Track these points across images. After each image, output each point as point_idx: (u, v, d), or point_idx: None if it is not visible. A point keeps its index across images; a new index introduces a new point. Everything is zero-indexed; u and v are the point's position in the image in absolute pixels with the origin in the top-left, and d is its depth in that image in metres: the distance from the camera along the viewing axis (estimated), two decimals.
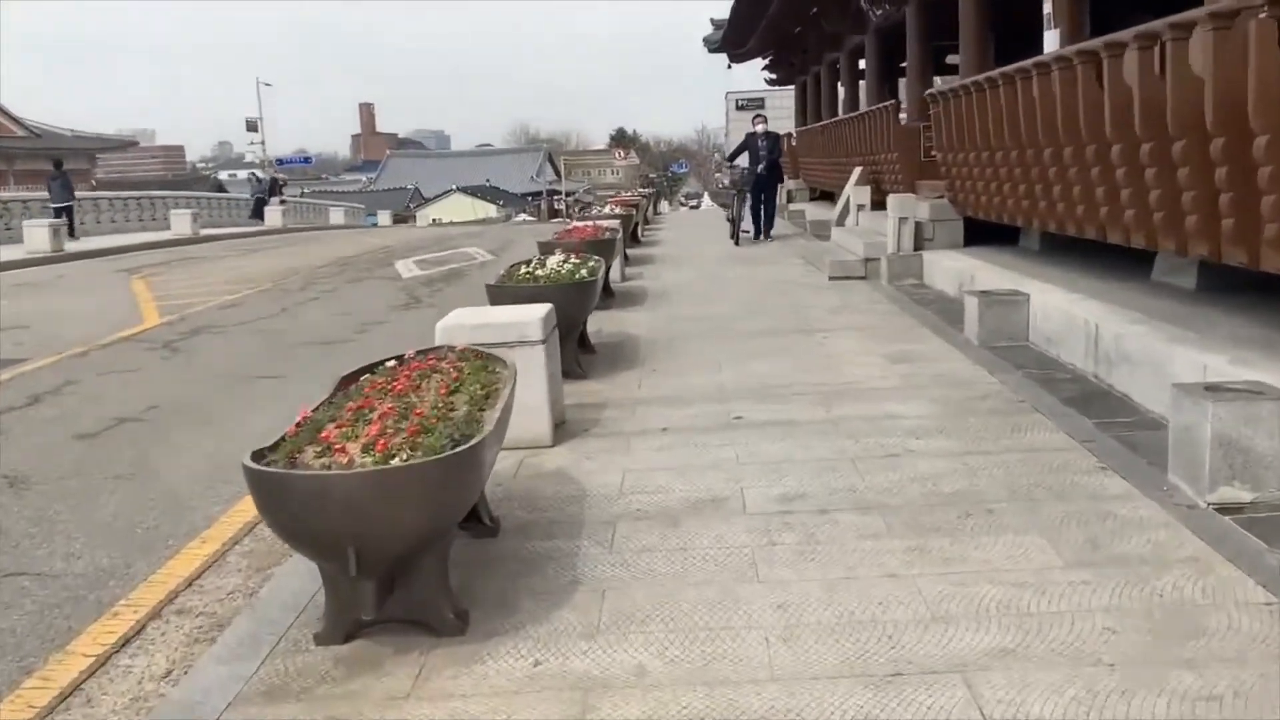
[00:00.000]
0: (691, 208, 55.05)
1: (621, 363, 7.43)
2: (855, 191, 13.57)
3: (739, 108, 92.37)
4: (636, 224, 16.64)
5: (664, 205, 40.10)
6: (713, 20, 32.66)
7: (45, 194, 27.61)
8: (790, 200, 24.94)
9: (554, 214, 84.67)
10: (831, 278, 11.20)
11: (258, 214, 37.14)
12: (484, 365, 4.28)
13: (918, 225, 10.86)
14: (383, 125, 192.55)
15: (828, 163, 20.09)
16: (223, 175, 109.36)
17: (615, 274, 11.42)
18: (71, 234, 26.35)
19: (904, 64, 24.64)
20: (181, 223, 28.38)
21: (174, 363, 9.12)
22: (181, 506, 5.13)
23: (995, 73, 8.89)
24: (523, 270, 7.28)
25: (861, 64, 23.78)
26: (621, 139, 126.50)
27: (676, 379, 6.80)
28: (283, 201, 40.03)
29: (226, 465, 5.44)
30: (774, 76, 33.71)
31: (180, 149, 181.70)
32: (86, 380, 8.35)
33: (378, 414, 3.58)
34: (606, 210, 14.45)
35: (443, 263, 16.90)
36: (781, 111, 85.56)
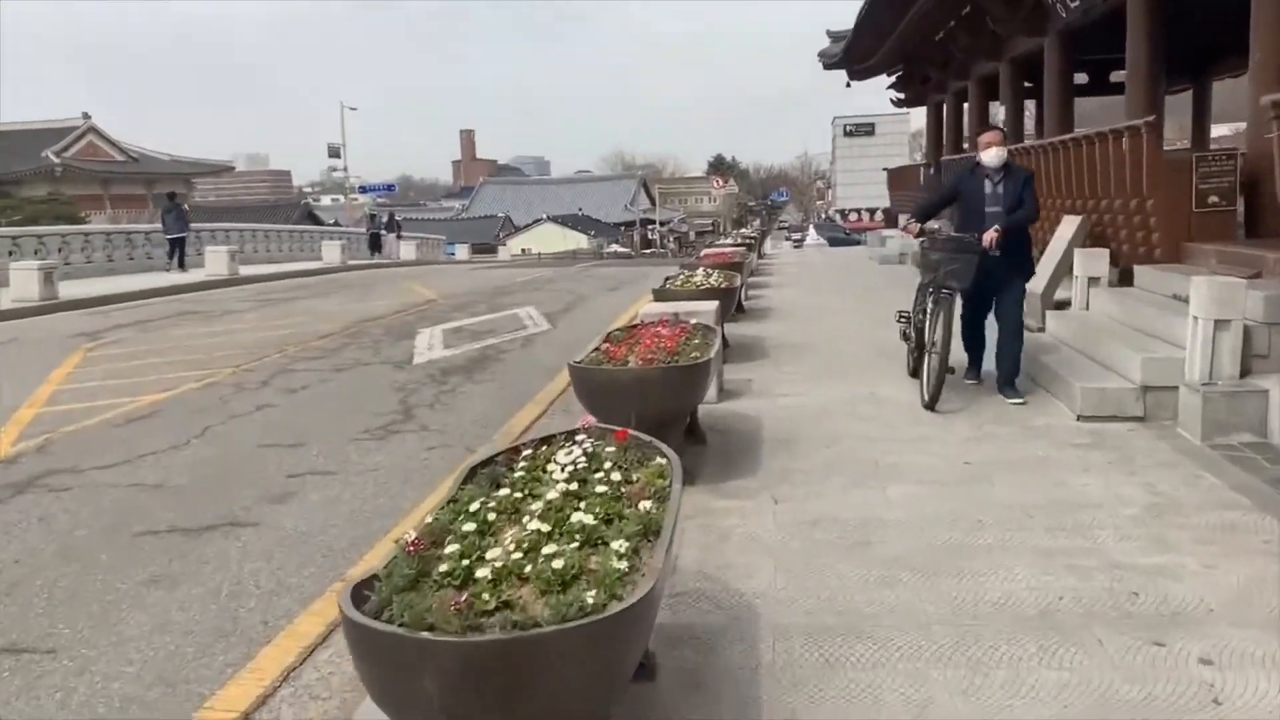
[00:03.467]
0: (795, 244, 50.07)
1: None
2: (1083, 257, 8.82)
3: (847, 133, 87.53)
4: (742, 287, 12.15)
5: (767, 244, 35.41)
6: (830, 33, 28.05)
7: (158, 225, 26.82)
8: None
9: (647, 245, 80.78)
10: (1083, 417, 6.50)
11: (374, 247, 36.79)
12: None
13: (1247, 332, 6.12)
14: (485, 151, 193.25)
15: None
16: (326, 200, 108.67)
17: (710, 390, 6.95)
18: (182, 266, 25.47)
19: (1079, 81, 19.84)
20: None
21: None
22: None
23: None
24: (464, 560, 2.82)
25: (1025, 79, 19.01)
26: (720, 166, 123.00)
27: None
28: (399, 237, 38.86)
29: None
30: (901, 96, 28.83)
31: (287, 173, 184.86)
32: None
33: None
34: (698, 276, 9.90)
35: (479, 335, 12.64)
36: (894, 139, 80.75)
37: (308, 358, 11.16)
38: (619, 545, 2.60)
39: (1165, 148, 10.56)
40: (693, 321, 6.58)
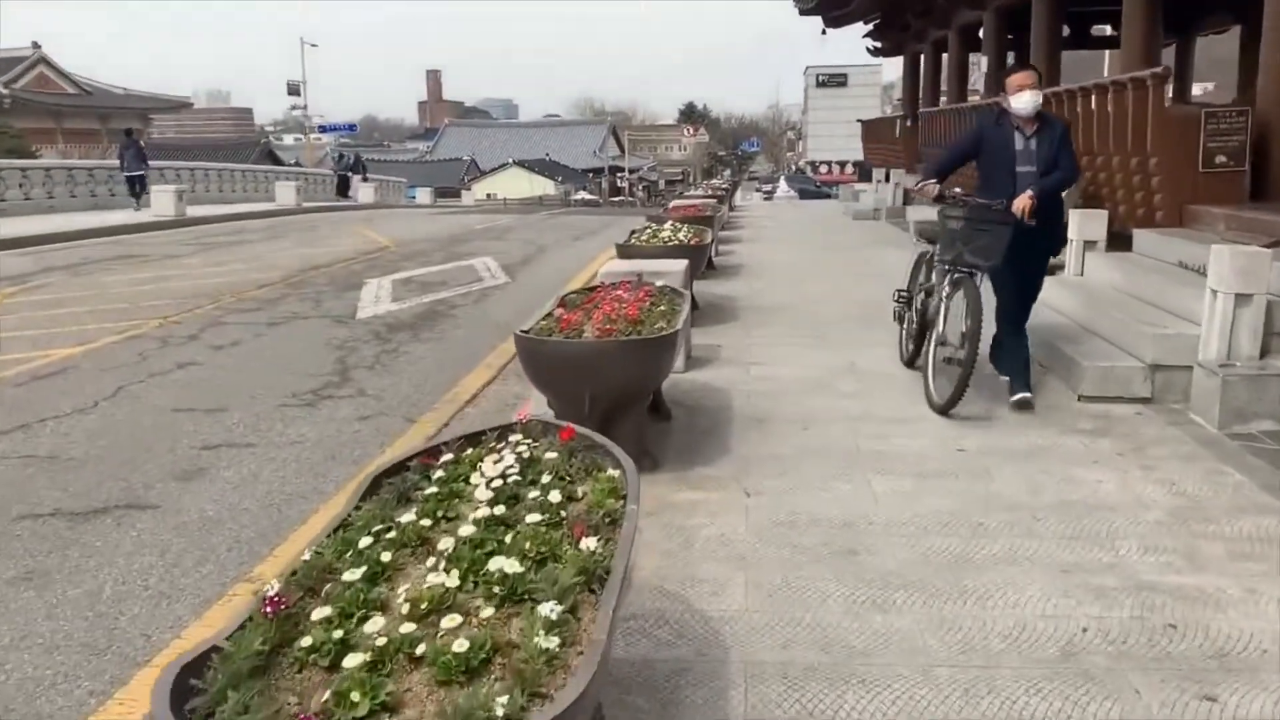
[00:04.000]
0: (765, 196, 49.24)
1: None
2: (1080, 219, 8.18)
3: (819, 84, 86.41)
4: (712, 243, 11.45)
5: (737, 195, 34.62)
6: None
7: (106, 161, 26.44)
8: (908, 201, 19.53)
9: (616, 192, 79.45)
10: (1085, 397, 5.90)
11: (342, 191, 36.17)
12: None
13: (1269, 308, 5.54)
14: (452, 92, 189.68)
15: None
16: (289, 139, 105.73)
17: (677, 360, 6.28)
18: (138, 204, 24.33)
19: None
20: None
21: None
22: None
23: None
24: None
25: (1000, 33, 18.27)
26: (691, 115, 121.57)
27: None
28: (365, 179, 37.87)
29: None
30: (878, 45, 27.95)
31: (249, 111, 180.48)
32: None
33: None
34: (665, 231, 9.13)
35: (430, 287, 11.86)
36: (866, 91, 79.76)
37: (243, 309, 10.34)
38: (549, 609, 1.93)
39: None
40: (658, 284, 5.89)
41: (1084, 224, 8.07)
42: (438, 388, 7.20)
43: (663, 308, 5.27)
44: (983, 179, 5.99)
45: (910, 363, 6.74)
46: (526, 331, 4.68)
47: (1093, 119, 8.95)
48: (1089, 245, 8.05)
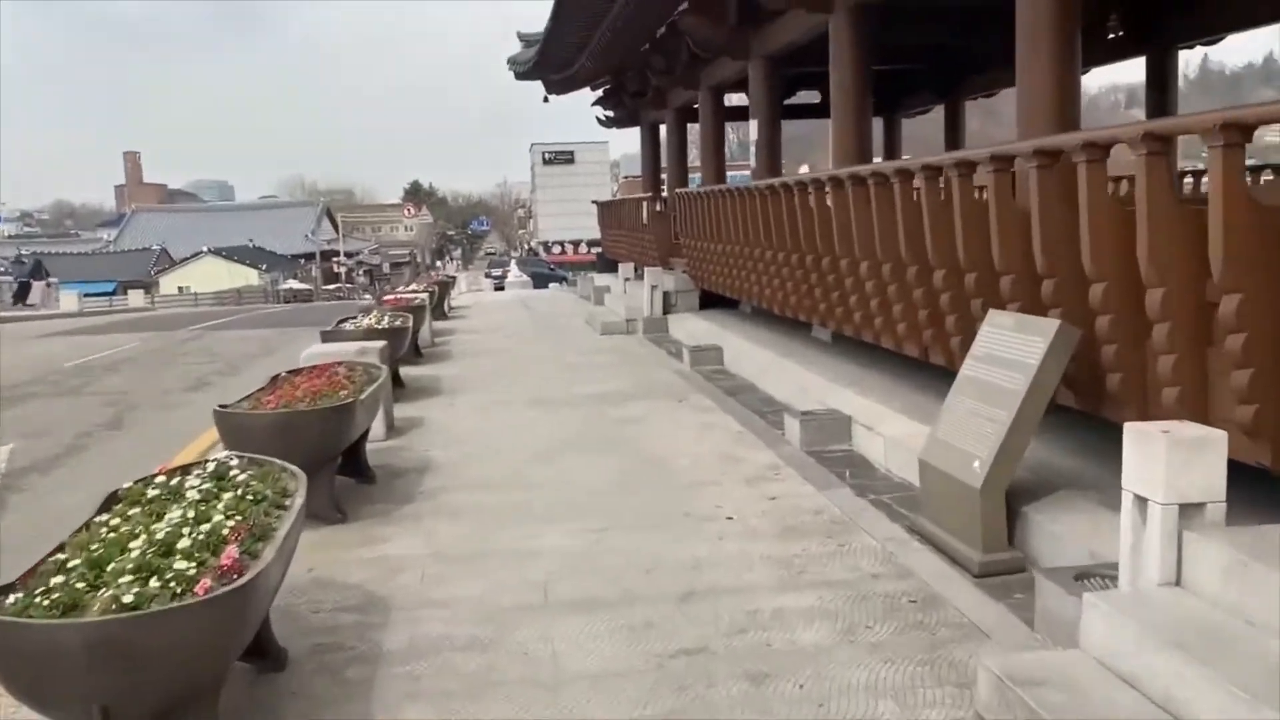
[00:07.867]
0: (496, 283, 44.20)
1: None
2: (1161, 456, 3.49)
3: (546, 161, 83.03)
4: (363, 450, 6.16)
5: (461, 287, 29.43)
6: (521, 36, 22.68)
7: None
8: (669, 308, 15.02)
9: (332, 279, 71.85)
10: None
11: (22, 297, 33.10)
12: None
13: None
14: (162, 175, 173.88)
15: (769, 258, 10.19)
16: None
17: None
18: None
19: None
20: None
21: None
22: None
23: None
24: None
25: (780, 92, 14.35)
26: (416, 193, 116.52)
27: None
28: (49, 284, 34.86)
29: None
30: (610, 115, 23.84)
31: None
32: None
33: None
34: (175, 512, 3.61)
35: None
36: (595, 168, 77.24)
37: None
38: None
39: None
40: None
41: (1176, 466, 3.41)
42: None
43: None
44: None
45: None
46: None
47: (1064, 217, 4.49)
48: (1188, 515, 3.43)
